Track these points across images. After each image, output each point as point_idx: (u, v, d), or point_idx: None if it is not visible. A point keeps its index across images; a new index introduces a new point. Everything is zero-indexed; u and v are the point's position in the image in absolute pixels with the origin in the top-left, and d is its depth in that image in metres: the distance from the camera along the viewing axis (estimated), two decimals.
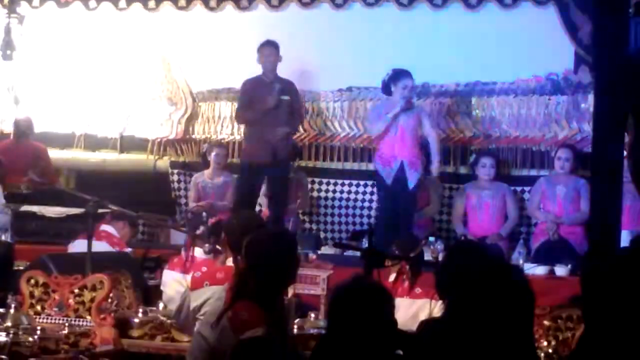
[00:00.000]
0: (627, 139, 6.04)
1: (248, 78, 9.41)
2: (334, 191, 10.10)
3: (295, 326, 5.54)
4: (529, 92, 9.63)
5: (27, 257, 7.57)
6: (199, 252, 6.54)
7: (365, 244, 7.38)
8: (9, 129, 10.76)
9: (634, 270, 2.87)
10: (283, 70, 9.42)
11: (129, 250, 7.94)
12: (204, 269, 5.40)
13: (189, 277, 5.49)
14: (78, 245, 7.26)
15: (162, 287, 6.79)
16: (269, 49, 9.27)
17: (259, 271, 4.25)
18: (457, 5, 9.85)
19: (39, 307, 5.81)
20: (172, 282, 6.50)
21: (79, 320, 5.72)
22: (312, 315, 5.91)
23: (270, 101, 9.08)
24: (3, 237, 8.03)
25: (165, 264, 7.09)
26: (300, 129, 10.12)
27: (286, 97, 9.21)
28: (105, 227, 7.89)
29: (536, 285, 3.55)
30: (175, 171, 10.50)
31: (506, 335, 2.96)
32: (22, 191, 9.41)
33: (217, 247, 5.68)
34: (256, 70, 9.35)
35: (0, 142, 10.54)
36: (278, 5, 10.37)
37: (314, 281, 7.75)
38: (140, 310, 5.92)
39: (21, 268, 7.16)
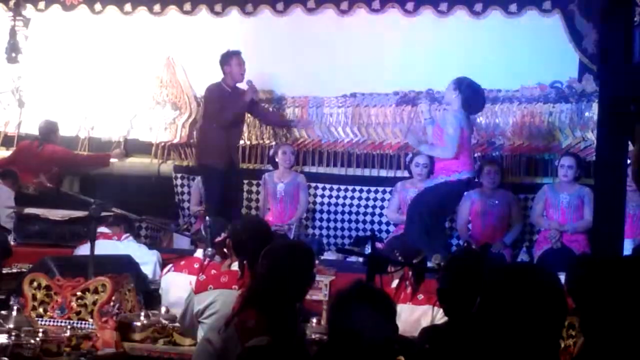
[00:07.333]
0: (630, 147, 6.04)
1: (212, 84, 9.52)
2: (337, 197, 10.08)
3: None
4: (533, 100, 9.62)
5: (29, 260, 7.56)
6: (200, 254, 6.52)
7: (368, 249, 7.39)
8: (13, 131, 10.81)
9: (637, 278, 2.88)
10: (286, 76, 9.40)
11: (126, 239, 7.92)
12: (213, 272, 5.39)
13: (194, 280, 5.48)
14: (83, 250, 7.26)
15: (162, 290, 6.76)
16: (240, 58, 9.39)
17: (274, 281, 4.25)
18: (462, 13, 9.86)
19: (41, 310, 5.81)
20: (178, 285, 6.45)
21: (81, 323, 5.71)
22: (314, 320, 5.92)
23: (242, 107, 9.39)
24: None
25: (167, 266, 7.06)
26: (304, 134, 10.12)
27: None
28: (102, 229, 7.88)
29: None
30: (179, 175, 10.49)
31: (516, 344, 2.88)
32: (29, 192, 9.41)
33: (224, 250, 5.67)
34: (260, 73, 9.28)
35: (24, 141, 10.61)
36: (283, 11, 10.37)
37: (316, 287, 7.69)
38: (143, 313, 5.91)
39: (24, 270, 7.16)
